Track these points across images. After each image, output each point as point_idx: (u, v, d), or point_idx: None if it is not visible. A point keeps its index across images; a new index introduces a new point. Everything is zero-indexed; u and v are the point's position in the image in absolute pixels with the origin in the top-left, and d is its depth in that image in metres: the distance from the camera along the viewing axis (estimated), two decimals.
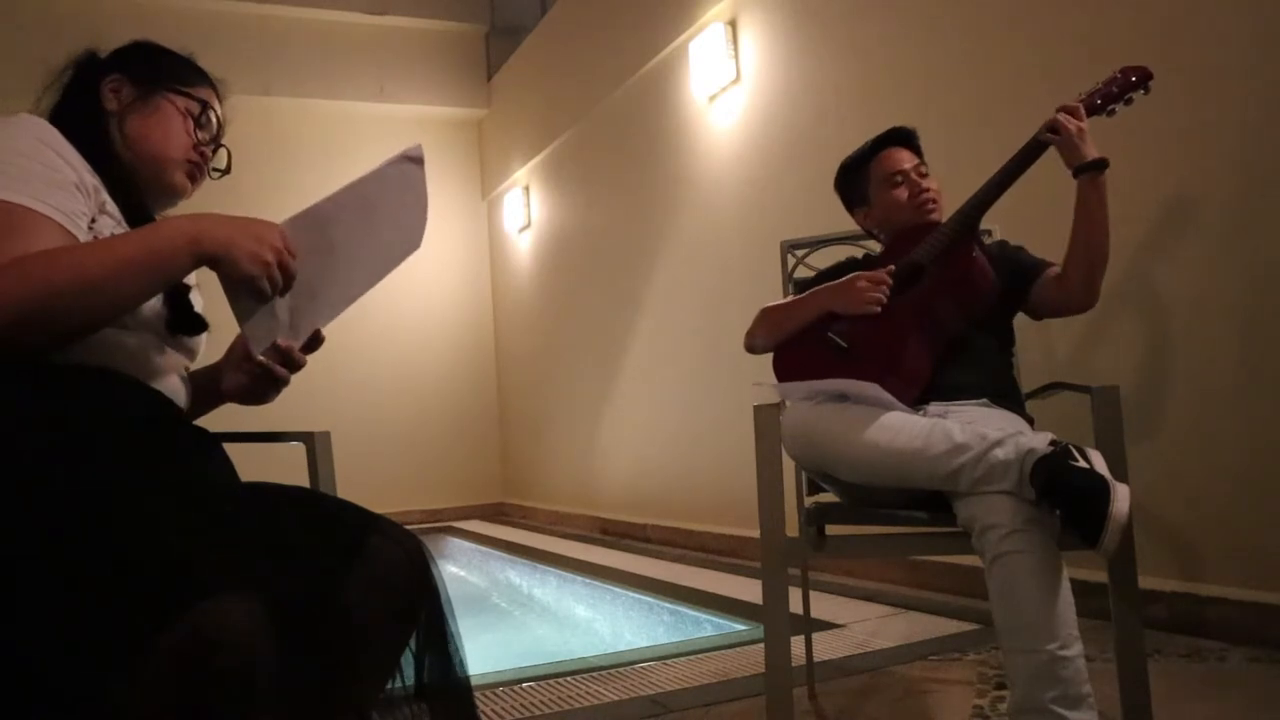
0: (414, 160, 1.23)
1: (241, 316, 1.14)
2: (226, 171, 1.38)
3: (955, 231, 1.82)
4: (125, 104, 1.26)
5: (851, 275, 1.85)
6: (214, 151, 1.35)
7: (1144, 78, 1.81)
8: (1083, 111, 1.77)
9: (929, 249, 1.84)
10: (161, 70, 1.31)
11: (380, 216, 1.22)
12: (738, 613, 3.14)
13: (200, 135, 1.32)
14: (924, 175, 1.95)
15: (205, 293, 1.30)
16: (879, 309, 1.80)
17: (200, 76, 1.35)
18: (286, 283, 1.11)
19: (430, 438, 6.93)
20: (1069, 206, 1.77)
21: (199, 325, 1.25)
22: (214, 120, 1.34)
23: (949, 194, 1.96)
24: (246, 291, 1.10)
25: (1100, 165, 1.75)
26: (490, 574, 5.24)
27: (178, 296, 1.20)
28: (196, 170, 1.32)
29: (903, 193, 1.94)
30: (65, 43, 1.32)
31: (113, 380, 1.10)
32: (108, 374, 1.10)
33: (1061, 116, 1.75)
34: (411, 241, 1.28)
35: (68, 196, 1.09)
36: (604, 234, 5.59)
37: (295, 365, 1.28)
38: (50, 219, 1.05)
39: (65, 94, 1.27)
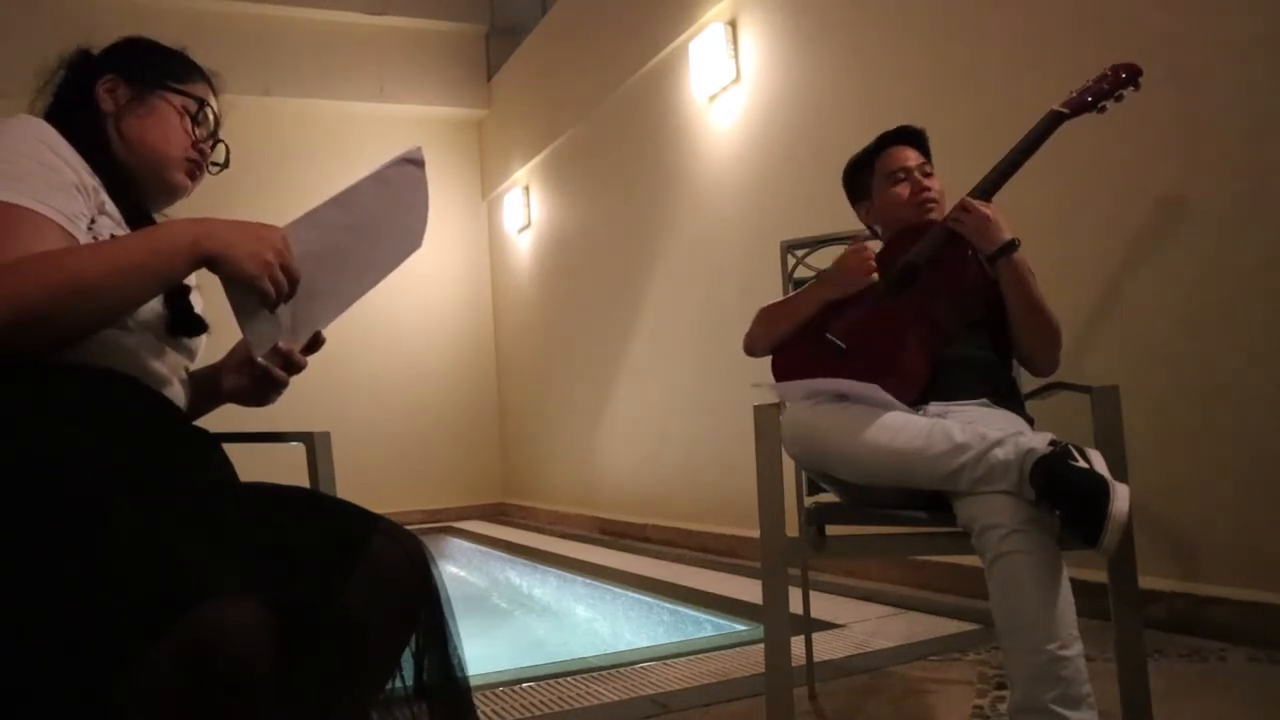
0: (414, 162, 1.23)
1: (243, 320, 1.14)
2: (225, 166, 1.37)
3: (949, 231, 1.83)
4: (121, 105, 1.25)
5: (836, 259, 1.87)
6: (212, 147, 1.34)
7: (1134, 74, 1.81)
8: (976, 202, 1.77)
9: (923, 249, 1.84)
10: (156, 68, 1.29)
11: (381, 219, 1.22)
12: (738, 613, 3.14)
13: (198, 132, 1.31)
14: (928, 175, 1.95)
15: (205, 294, 1.29)
16: (875, 277, 1.81)
17: (195, 71, 1.34)
18: (291, 286, 1.11)
19: (430, 438, 6.94)
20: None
21: (199, 327, 1.25)
22: (211, 117, 1.33)
23: (952, 193, 1.96)
24: (248, 294, 1.10)
25: (1010, 248, 1.74)
26: (490, 574, 5.24)
27: (178, 298, 1.20)
28: (196, 168, 1.32)
29: (904, 190, 1.94)
30: (63, 42, 1.31)
31: (113, 381, 1.10)
32: (107, 375, 1.10)
33: (970, 202, 1.77)
34: (412, 242, 1.28)
35: (67, 198, 1.09)
36: (604, 234, 5.59)
37: (296, 367, 1.28)
38: (50, 220, 1.05)
39: (59, 95, 1.26)
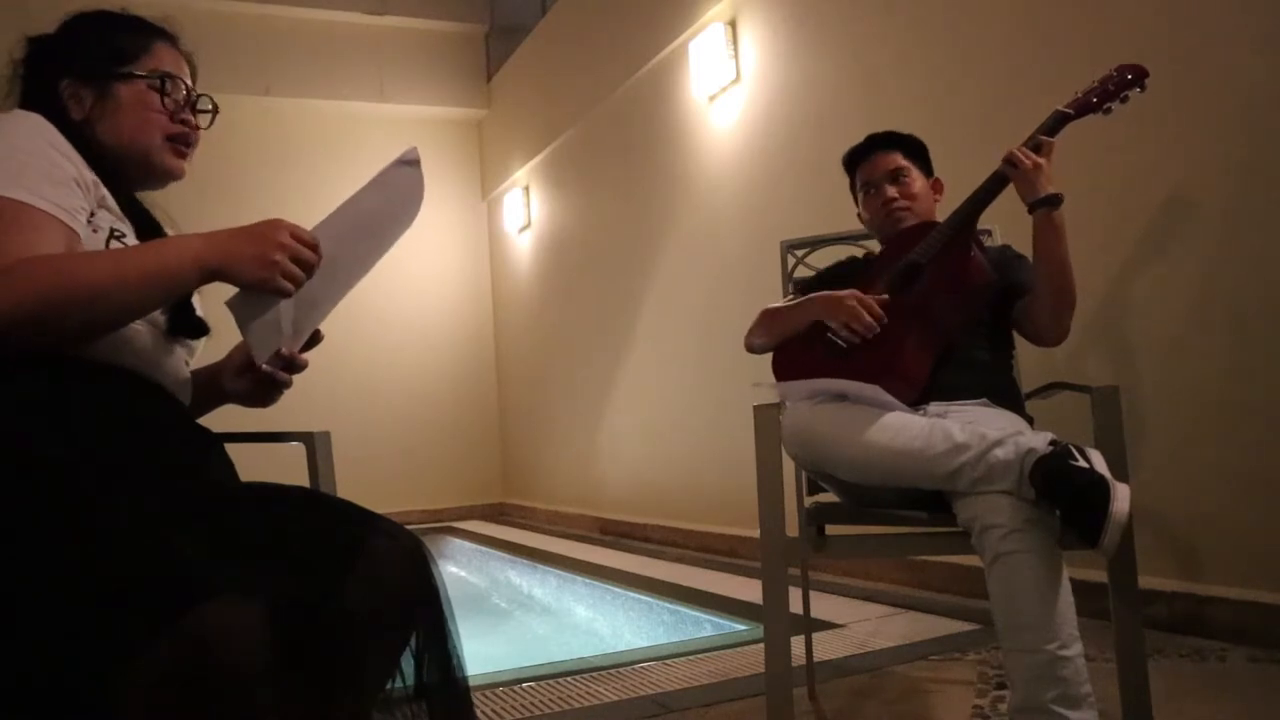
0: (410, 163, 1.23)
1: (246, 329, 1.14)
2: (215, 112, 1.31)
3: (952, 231, 1.83)
4: (89, 109, 1.22)
5: (846, 292, 1.83)
6: (194, 106, 1.29)
7: (1140, 76, 1.81)
8: (1046, 147, 1.75)
9: (926, 248, 1.84)
10: (107, 54, 1.23)
11: (378, 220, 1.22)
12: (738, 613, 3.14)
13: (169, 103, 1.25)
14: (898, 181, 1.96)
15: (205, 296, 1.29)
16: (857, 340, 1.78)
17: (146, 35, 1.27)
18: (307, 272, 1.10)
19: (430, 438, 6.93)
20: (1068, 206, 1.77)
21: (200, 330, 1.25)
22: (181, 85, 1.27)
23: (950, 192, 1.96)
24: (254, 302, 1.10)
25: (1054, 201, 1.73)
26: (490, 574, 5.24)
27: (180, 301, 1.20)
28: (184, 140, 1.27)
29: (872, 202, 1.98)
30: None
31: (119, 378, 1.11)
32: (115, 371, 1.10)
33: (1019, 152, 1.75)
34: (405, 224, 1.27)
35: (67, 192, 1.09)
36: (604, 234, 5.59)
37: (298, 368, 1.29)
38: (50, 215, 1.05)
39: (25, 98, 1.23)
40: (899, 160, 1.98)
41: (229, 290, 1.11)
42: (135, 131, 1.23)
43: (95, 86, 1.22)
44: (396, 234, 1.26)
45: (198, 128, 1.30)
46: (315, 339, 1.29)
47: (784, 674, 1.62)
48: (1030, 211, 1.75)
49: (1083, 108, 1.81)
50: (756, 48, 4.10)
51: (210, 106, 1.31)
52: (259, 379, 1.32)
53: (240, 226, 1.09)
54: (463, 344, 7.23)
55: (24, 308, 0.97)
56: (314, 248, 1.10)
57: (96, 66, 1.23)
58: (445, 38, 7.22)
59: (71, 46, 1.25)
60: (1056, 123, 1.80)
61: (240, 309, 1.11)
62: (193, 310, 1.24)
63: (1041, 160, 1.74)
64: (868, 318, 1.77)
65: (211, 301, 1.27)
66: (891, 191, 1.95)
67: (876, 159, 1.99)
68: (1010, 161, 1.75)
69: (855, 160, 2.03)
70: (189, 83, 1.29)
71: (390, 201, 1.23)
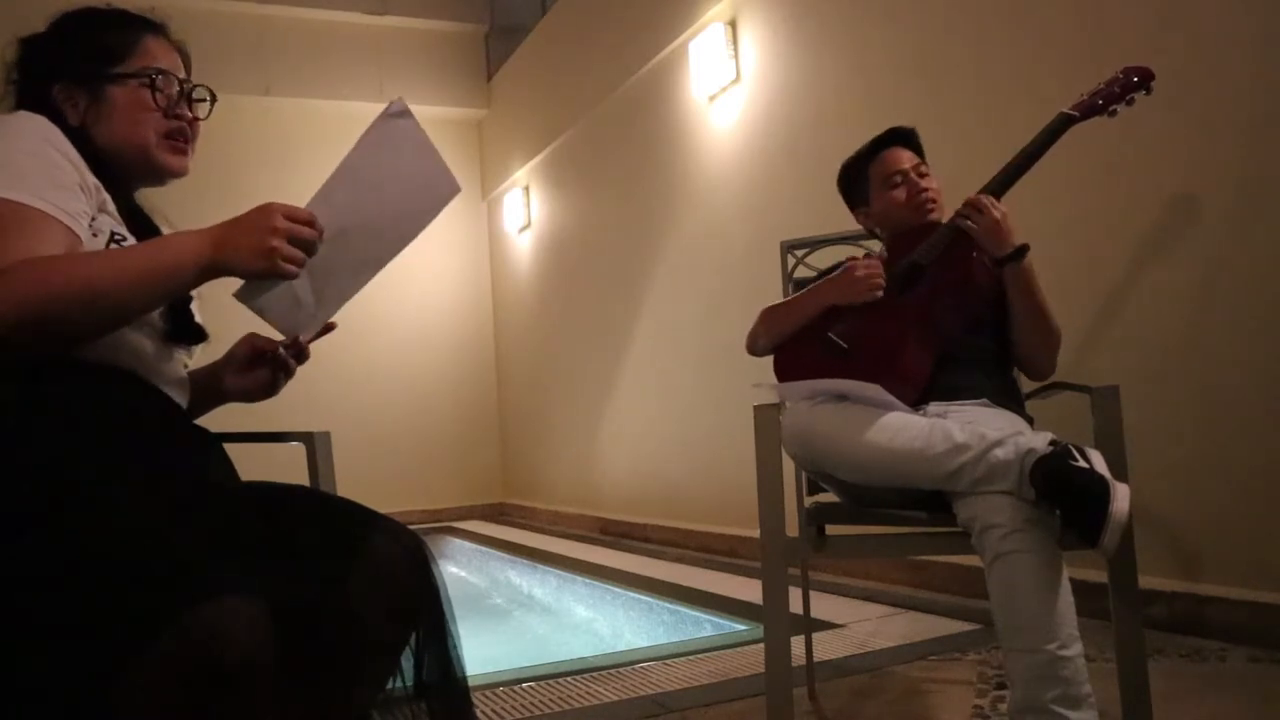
0: (397, 115, 1.19)
1: (264, 313, 1.14)
2: (213, 100, 1.30)
3: (955, 232, 1.82)
4: (84, 113, 1.21)
5: (847, 264, 1.86)
6: (190, 98, 1.28)
7: (1146, 78, 1.81)
8: (992, 201, 1.75)
9: (929, 249, 1.84)
10: (94, 58, 1.22)
11: (386, 179, 1.19)
12: (738, 613, 3.14)
13: (164, 99, 1.23)
14: (924, 175, 1.95)
15: (204, 302, 1.29)
16: (880, 294, 1.80)
17: (132, 33, 1.25)
18: (308, 251, 1.09)
19: (430, 438, 6.93)
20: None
21: (199, 336, 1.24)
22: (173, 79, 1.25)
23: (951, 193, 1.96)
24: (260, 286, 1.10)
25: (1019, 255, 1.74)
26: (490, 574, 5.24)
27: (179, 307, 1.20)
28: (180, 135, 1.26)
29: (901, 193, 1.93)
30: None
31: (117, 378, 1.11)
32: (112, 372, 1.10)
33: (971, 212, 1.74)
34: (441, 188, 1.23)
35: (70, 195, 1.09)
36: (604, 234, 5.59)
37: (303, 358, 1.32)
38: (53, 218, 1.05)
39: (21, 102, 1.22)
40: (916, 156, 1.97)
41: (231, 290, 1.11)
42: (131, 133, 1.22)
43: (87, 90, 1.21)
44: (432, 191, 1.22)
45: (195, 120, 1.28)
46: (326, 327, 1.28)
47: (784, 674, 1.62)
48: (998, 265, 1.76)
49: (1088, 110, 1.80)
50: (756, 48, 4.10)
51: (207, 96, 1.30)
52: (278, 364, 1.33)
53: (234, 218, 1.08)
54: (463, 344, 7.23)
55: (25, 308, 0.97)
56: (310, 223, 1.09)
57: (86, 69, 1.22)
58: (445, 38, 7.23)
59: (60, 49, 1.23)
60: (1061, 125, 1.79)
61: (249, 298, 1.11)
62: (191, 316, 1.23)
63: (997, 214, 1.73)
64: (880, 276, 1.80)
65: (210, 306, 1.27)
66: (924, 183, 1.93)
67: (901, 152, 1.96)
68: (967, 216, 1.75)
69: (876, 150, 1.98)
70: (181, 75, 1.27)
71: (392, 158, 1.19)
